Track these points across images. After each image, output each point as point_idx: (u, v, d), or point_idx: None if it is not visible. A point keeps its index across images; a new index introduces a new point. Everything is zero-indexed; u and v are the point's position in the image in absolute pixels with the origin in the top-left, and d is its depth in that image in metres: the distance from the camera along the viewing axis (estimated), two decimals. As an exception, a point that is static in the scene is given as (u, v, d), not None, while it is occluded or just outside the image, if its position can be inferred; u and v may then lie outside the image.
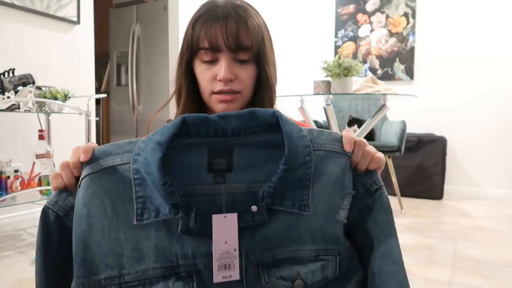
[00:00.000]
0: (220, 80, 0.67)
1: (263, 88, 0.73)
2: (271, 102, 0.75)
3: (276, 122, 0.52)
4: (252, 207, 0.50)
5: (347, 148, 0.54)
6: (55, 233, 0.50)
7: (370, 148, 0.55)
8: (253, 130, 0.52)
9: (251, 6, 0.71)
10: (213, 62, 0.68)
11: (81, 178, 0.50)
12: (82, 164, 0.51)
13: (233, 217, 0.50)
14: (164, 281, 0.49)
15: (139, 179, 0.49)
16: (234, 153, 0.52)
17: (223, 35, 0.65)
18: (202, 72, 0.69)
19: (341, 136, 0.55)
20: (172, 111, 0.78)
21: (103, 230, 0.49)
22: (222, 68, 0.66)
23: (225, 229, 0.49)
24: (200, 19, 0.67)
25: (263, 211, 0.50)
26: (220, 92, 0.68)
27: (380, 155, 0.56)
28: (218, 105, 0.69)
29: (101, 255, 0.49)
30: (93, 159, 0.51)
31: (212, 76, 0.68)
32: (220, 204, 0.51)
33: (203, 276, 0.50)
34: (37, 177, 2.06)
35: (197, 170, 0.52)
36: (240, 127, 0.52)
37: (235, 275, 0.49)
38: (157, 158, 0.47)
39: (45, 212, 0.51)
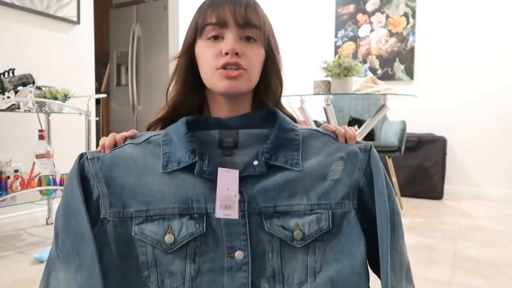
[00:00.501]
0: (226, 53, 0.63)
1: (270, 76, 0.71)
2: (277, 92, 0.73)
3: (269, 116, 0.68)
4: (254, 161, 0.63)
5: (331, 130, 0.69)
6: (79, 169, 0.65)
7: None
8: (253, 126, 0.67)
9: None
10: (218, 39, 0.65)
11: (124, 143, 0.68)
12: (126, 139, 0.69)
13: (235, 172, 0.62)
14: (180, 218, 0.62)
15: (166, 140, 0.66)
16: (239, 135, 0.66)
17: (231, 11, 0.64)
18: (206, 50, 0.66)
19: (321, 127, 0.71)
20: None
21: (136, 176, 0.64)
22: (228, 40, 0.64)
23: (227, 179, 0.62)
24: (207, 2, 0.67)
25: (262, 164, 0.63)
26: (224, 67, 0.64)
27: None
28: (221, 82, 0.65)
29: (133, 194, 0.63)
30: (135, 137, 0.69)
31: (216, 51, 0.65)
32: (227, 167, 0.63)
33: (211, 219, 0.62)
34: (37, 177, 2.06)
35: (209, 146, 0.66)
36: (243, 123, 0.67)
37: (234, 214, 0.61)
38: (184, 121, 0.66)
39: (81, 155, 0.66)
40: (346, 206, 0.64)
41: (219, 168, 0.62)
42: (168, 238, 0.61)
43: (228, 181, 0.62)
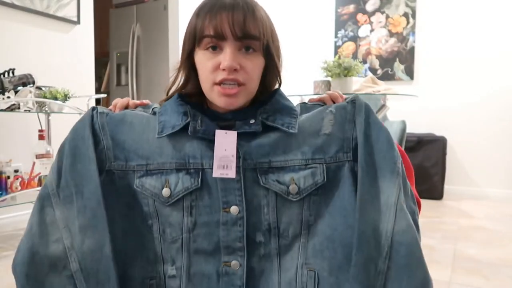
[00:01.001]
0: (223, 69, 0.62)
1: (269, 82, 0.72)
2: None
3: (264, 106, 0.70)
4: (251, 120, 0.65)
5: (316, 100, 0.74)
6: (90, 120, 0.69)
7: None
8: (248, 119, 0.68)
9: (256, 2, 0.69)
10: (216, 51, 0.64)
11: (136, 108, 0.73)
12: (138, 107, 0.74)
13: (233, 134, 0.64)
14: (177, 173, 0.65)
15: (161, 110, 0.69)
16: (236, 124, 0.67)
17: (229, 22, 0.62)
18: (204, 62, 0.65)
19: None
20: None
21: (139, 132, 0.67)
22: (226, 56, 0.62)
23: (225, 141, 0.63)
24: (205, 8, 0.64)
25: (259, 122, 0.65)
26: (222, 83, 0.63)
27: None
28: (220, 98, 0.64)
29: (135, 148, 0.67)
30: (147, 107, 0.74)
31: (215, 65, 0.63)
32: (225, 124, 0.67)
33: (207, 174, 0.65)
34: (37, 177, 2.06)
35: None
36: (239, 117, 0.68)
37: (231, 174, 0.62)
38: (177, 94, 0.70)
39: (93, 108, 0.70)
40: (341, 159, 0.66)
41: (216, 130, 0.64)
42: (165, 192, 0.64)
43: (225, 142, 0.63)
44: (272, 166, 0.64)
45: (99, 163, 0.66)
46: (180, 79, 0.72)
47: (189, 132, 0.64)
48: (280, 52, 0.72)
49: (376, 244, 0.60)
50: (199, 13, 0.65)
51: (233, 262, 0.63)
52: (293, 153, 0.65)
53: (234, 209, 0.63)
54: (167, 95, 0.74)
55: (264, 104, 0.70)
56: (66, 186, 0.64)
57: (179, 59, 0.71)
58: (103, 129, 0.67)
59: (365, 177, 0.63)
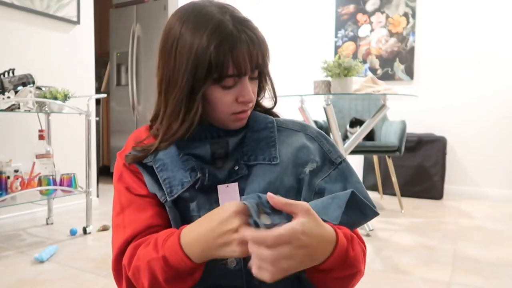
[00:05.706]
0: (242, 102, 0.65)
1: (260, 94, 0.75)
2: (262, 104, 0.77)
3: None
4: (235, 167, 0.66)
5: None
6: None
7: None
8: (239, 131, 0.69)
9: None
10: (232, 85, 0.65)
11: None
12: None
13: (234, 186, 0.64)
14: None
15: (159, 166, 0.64)
16: (230, 144, 0.67)
17: (249, 60, 0.63)
18: (222, 96, 0.64)
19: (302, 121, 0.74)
20: None
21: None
22: (245, 91, 0.64)
23: (228, 194, 0.64)
24: (225, 43, 0.61)
25: (243, 166, 0.66)
26: (240, 112, 0.66)
27: None
28: (235, 123, 0.68)
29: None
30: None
31: (233, 98, 0.65)
32: (220, 176, 0.66)
33: None
34: (37, 177, 2.06)
35: (202, 160, 0.66)
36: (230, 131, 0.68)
37: None
38: (174, 143, 0.65)
39: None
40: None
41: (218, 186, 0.64)
42: None
43: (229, 195, 0.63)
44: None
45: None
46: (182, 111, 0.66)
47: (196, 187, 0.63)
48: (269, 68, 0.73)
49: None
50: (219, 48, 0.61)
51: None
52: (281, 193, 0.63)
53: (231, 262, 0.61)
54: (174, 134, 0.67)
55: (243, 137, 0.69)
56: None
57: (183, 89, 0.64)
58: None
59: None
